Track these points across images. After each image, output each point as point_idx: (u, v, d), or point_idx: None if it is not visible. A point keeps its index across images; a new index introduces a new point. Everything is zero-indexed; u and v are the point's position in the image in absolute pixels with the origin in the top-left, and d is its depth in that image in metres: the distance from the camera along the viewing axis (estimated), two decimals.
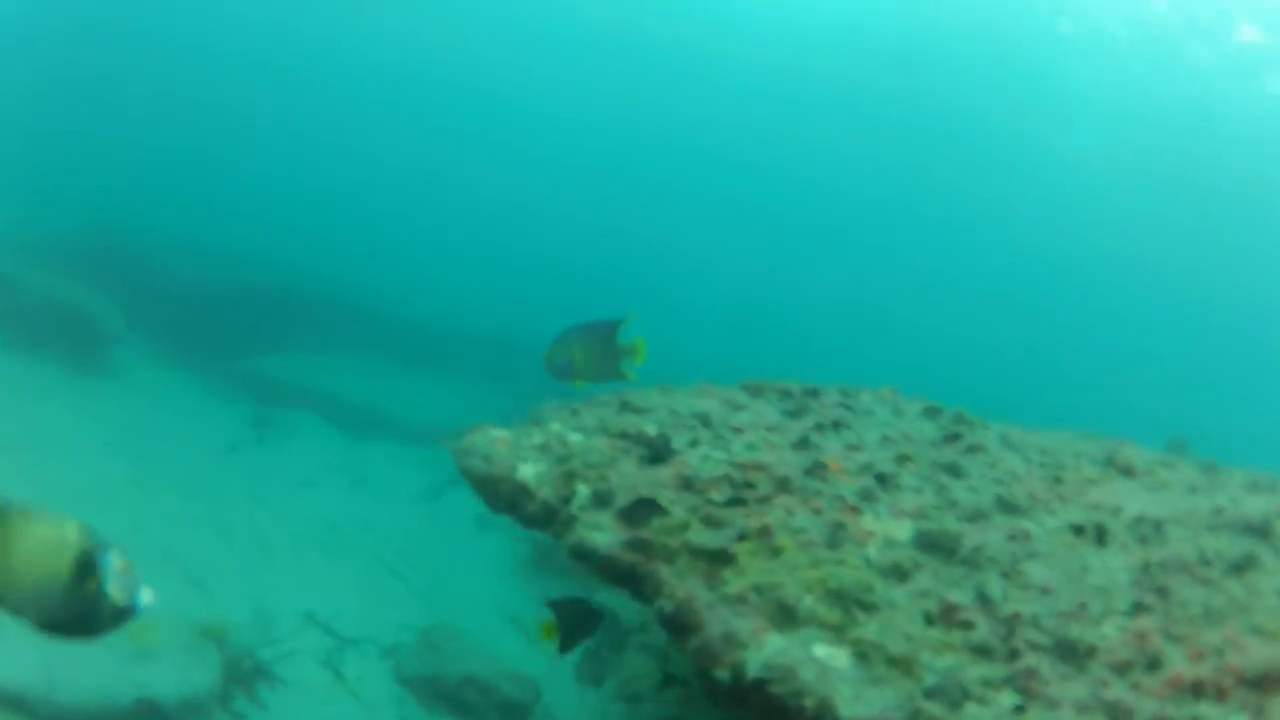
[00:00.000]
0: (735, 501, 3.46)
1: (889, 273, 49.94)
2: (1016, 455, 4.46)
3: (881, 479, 3.70)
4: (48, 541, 2.98)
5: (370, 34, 39.46)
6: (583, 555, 3.33)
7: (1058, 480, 4.18)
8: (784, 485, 3.57)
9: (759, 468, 3.69)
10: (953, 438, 4.45)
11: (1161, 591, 3.24)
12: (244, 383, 16.47)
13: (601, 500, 3.53)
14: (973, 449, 4.33)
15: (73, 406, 13.66)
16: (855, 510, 3.50)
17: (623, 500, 3.50)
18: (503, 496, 3.76)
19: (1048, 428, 5.50)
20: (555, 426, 4.29)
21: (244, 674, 9.05)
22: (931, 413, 4.92)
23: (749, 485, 3.57)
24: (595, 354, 5.08)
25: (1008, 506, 3.75)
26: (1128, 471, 4.49)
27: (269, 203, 33.65)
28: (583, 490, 3.59)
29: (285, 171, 41.52)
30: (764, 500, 3.49)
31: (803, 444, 4.04)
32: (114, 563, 3.12)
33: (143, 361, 16.08)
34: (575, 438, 4.02)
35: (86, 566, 3.01)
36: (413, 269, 28.79)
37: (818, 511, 3.45)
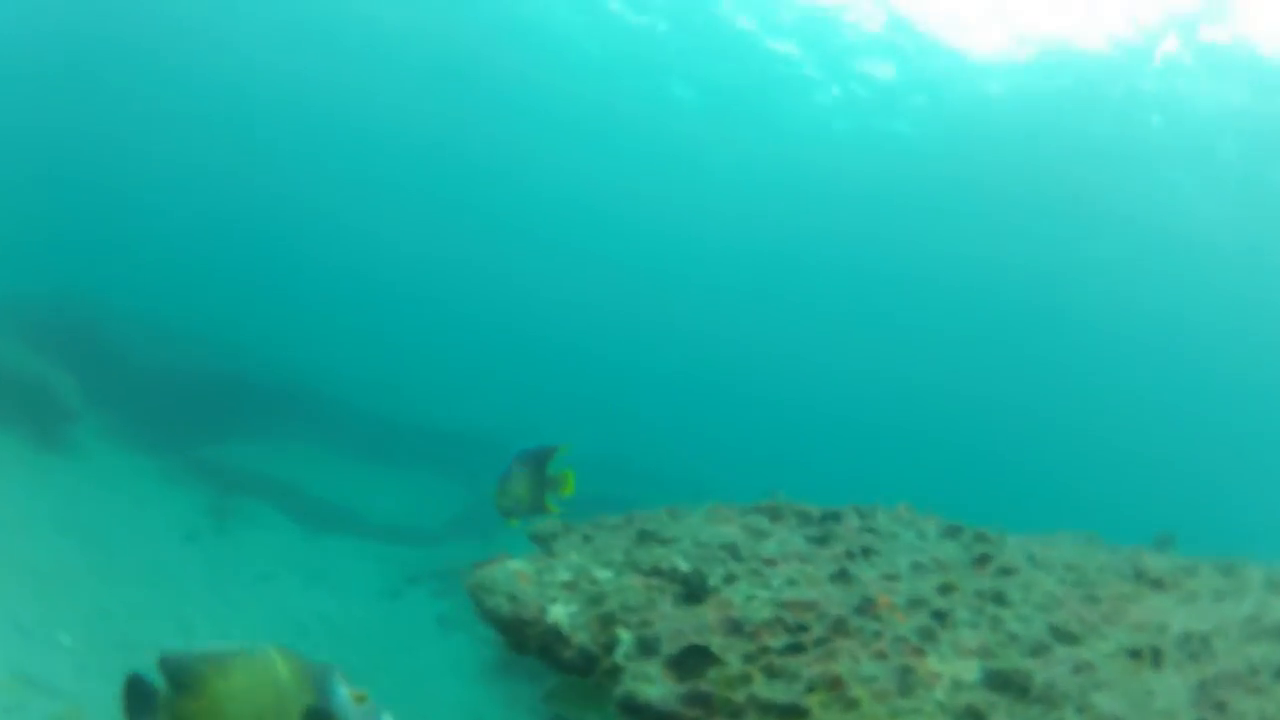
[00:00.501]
0: (793, 648, 3.21)
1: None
2: (1047, 574, 4.28)
3: (938, 615, 3.47)
4: (263, 695, 2.32)
5: (344, 115, 39.13)
6: (635, 710, 3.04)
7: (1094, 599, 4.01)
8: (839, 627, 3.33)
9: (807, 607, 3.44)
10: (982, 560, 4.26)
11: (1220, 706, 3.16)
12: (202, 469, 16.03)
13: (647, 647, 3.26)
14: (1006, 571, 4.15)
15: (28, 483, 13.19)
16: (919, 651, 3.26)
17: (670, 647, 3.23)
18: (533, 640, 3.48)
19: (1031, 527, 5.45)
20: (575, 558, 4.03)
21: None
22: (952, 532, 4.73)
23: (802, 628, 3.32)
24: (531, 489, 5.11)
25: (1063, 635, 3.56)
26: (1158, 585, 4.34)
27: (234, 286, 33.24)
28: (625, 637, 3.32)
29: (254, 258, 41.17)
30: (822, 644, 3.25)
31: (841, 576, 3.80)
32: (345, 696, 2.48)
33: (101, 440, 15.61)
34: (604, 574, 3.76)
35: (319, 715, 2.34)
36: (370, 359, 28.44)
37: (881, 655, 3.20)
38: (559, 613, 3.50)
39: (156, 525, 13.63)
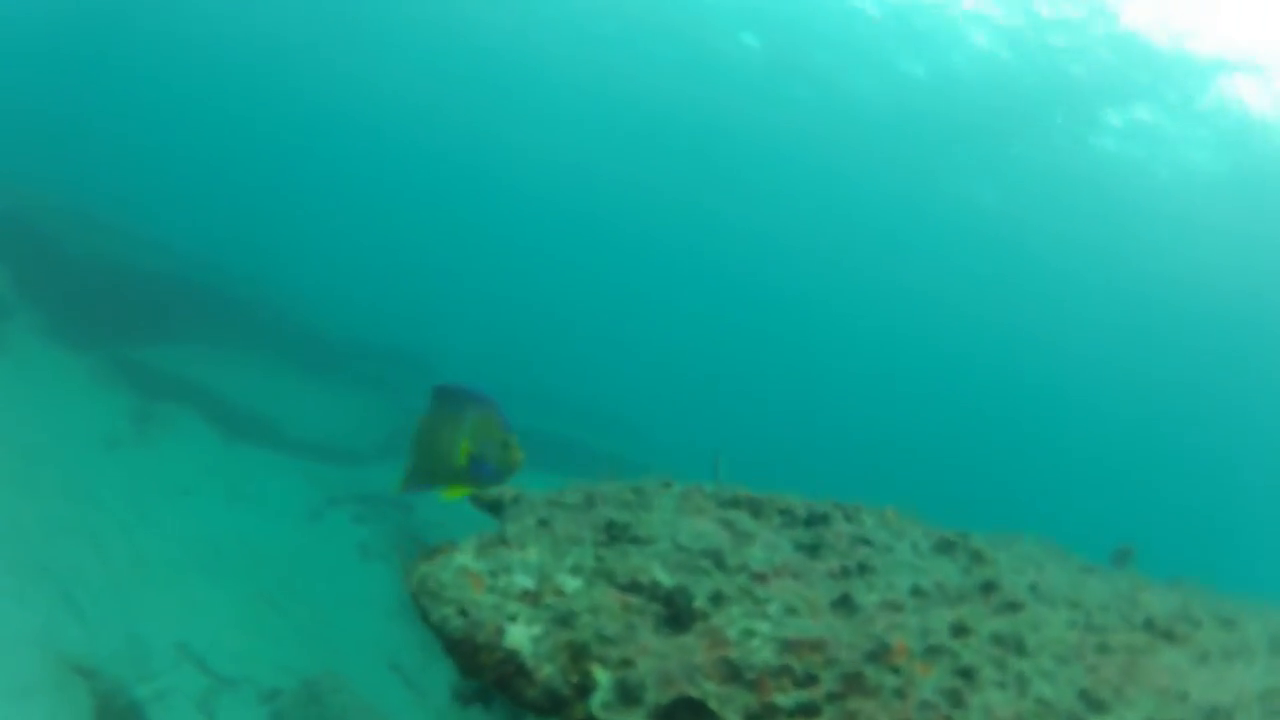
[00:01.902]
0: (806, 710, 2.58)
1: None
2: (1052, 611, 3.72)
3: (964, 674, 2.86)
4: None
5: (294, 22, 37.41)
6: None
7: (1107, 649, 3.47)
8: (855, 681, 2.70)
9: (814, 647, 2.81)
10: (986, 589, 3.67)
11: None
12: (131, 370, 15.09)
13: (629, 694, 2.60)
14: (1013, 606, 3.57)
15: None
16: (947, 719, 2.65)
17: (658, 695, 2.58)
18: (488, 669, 2.80)
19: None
20: (534, 553, 3.35)
21: (115, 715, 7.86)
22: (944, 547, 4.14)
23: (812, 678, 2.68)
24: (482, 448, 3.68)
25: (1093, 703, 2.98)
26: (1169, 637, 3.83)
27: (174, 184, 31.72)
28: (602, 679, 2.66)
29: (196, 154, 39.39)
30: (837, 701, 2.62)
31: (844, 604, 3.18)
32: None
33: (31, 336, 14.60)
34: (572, 584, 3.09)
35: None
36: (309, 270, 27.28)
37: None
38: (520, 636, 2.82)
39: (79, 430, 12.75)
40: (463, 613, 2.91)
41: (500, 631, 2.83)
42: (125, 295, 16.40)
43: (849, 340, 51.49)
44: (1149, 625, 3.88)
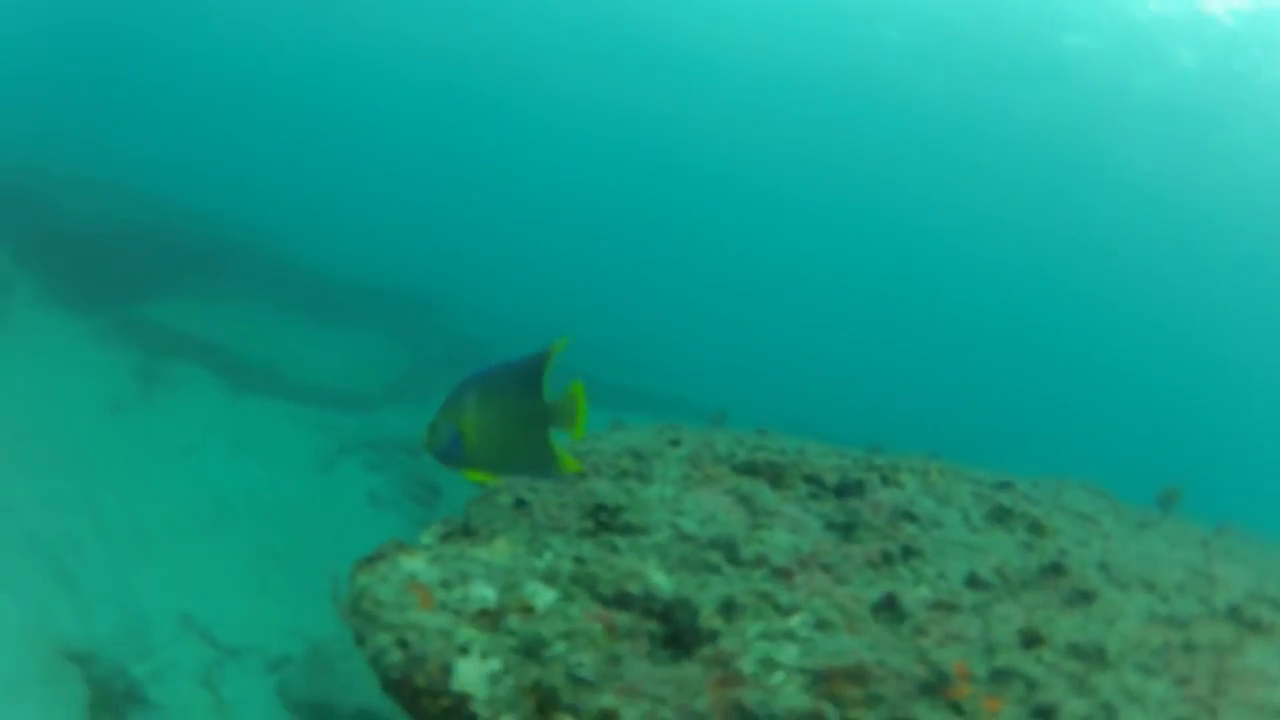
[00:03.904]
0: None
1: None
2: (1126, 598, 3.04)
3: (1042, 714, 2.17)
4: None
5: None
6: None
7: (1192, 648, 2.81)
8: None
9: (853, 678, 2.13)
10: (1053, 571, 2.99)
11: None
12: (133, 329, 14.46)
13: None
14: (1084, 595, 2.89)
15: None
16: None
17: None
18: (434, 719, 2.13)
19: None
20: (502, 550, 2.68)
21: (114, 701, 7.32)
22: (999, 515, 3.46)
23: None
24: (500, 425, 2.71)
25: None
26: (1255, 628, 3.17)
27: (164, 135, 30.90)
28: None
29: (184, 103, 38.43)
30: None
31: (888, 608, 2.50)
32: None
33: (31, 308, 14.00)
34: (544, 597, 2.41)
35: None
36: (309, 212, 26.47)
37: None
38: (471, 675, 2.15)
39: (81, 397, 12.16)
40: (402, 643, 2.24)
41: (446, 670, 2.15)
42: (125, 254, 15.76)
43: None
44: (1232, 614, 3.24)
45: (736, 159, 44.85)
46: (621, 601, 2.40)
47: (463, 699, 2.10)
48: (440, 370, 16.12)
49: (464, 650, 2.19)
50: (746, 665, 2.16)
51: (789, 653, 2.21)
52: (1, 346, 12.77)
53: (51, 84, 30.47)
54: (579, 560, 2.57)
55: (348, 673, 8.03)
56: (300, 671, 8.20)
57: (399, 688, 2.17)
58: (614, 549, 2.66)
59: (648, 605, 2.39)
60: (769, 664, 2.17)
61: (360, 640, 2.34)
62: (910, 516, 3.14)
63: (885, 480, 3.47)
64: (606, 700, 2.04)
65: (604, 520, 2.85)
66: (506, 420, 2.71)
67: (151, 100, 36.82)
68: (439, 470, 12.56)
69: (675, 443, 3.78)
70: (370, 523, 11.50)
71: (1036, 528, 3.39)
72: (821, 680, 2.11)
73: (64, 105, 28.47)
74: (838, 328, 43.64)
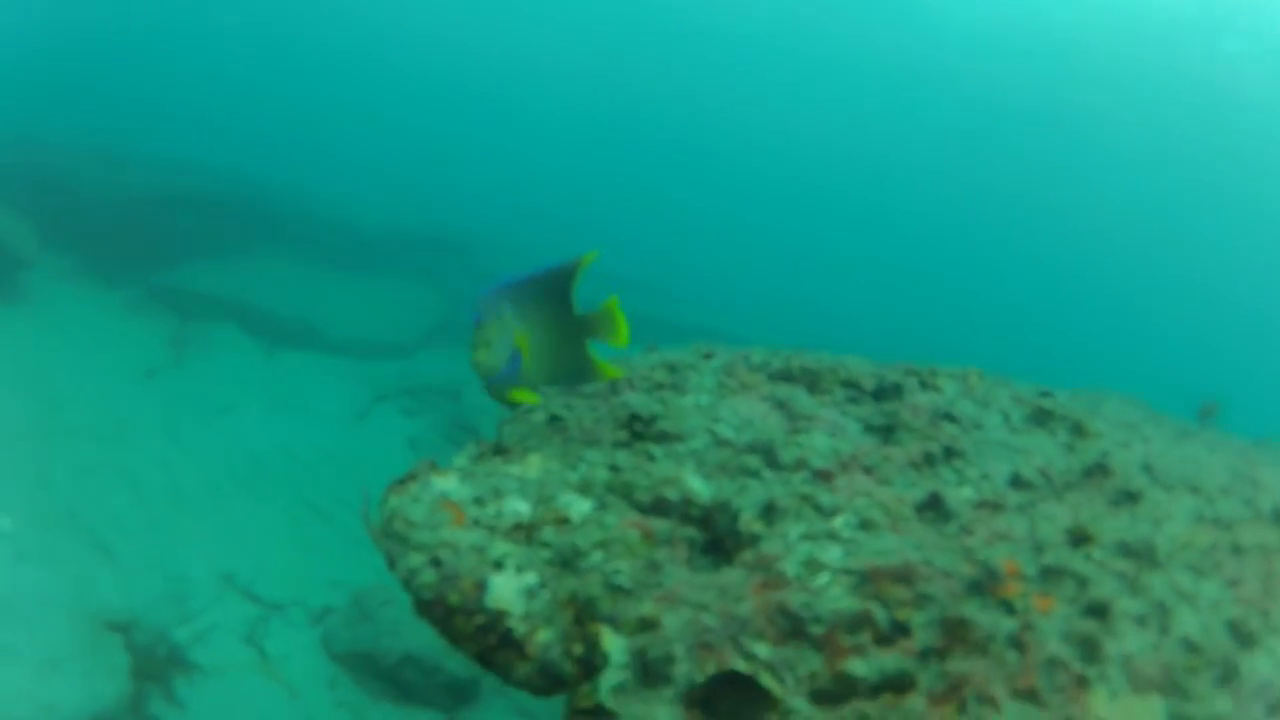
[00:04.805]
0: (895, 680, 1.83)
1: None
2: (1172, 499, 2.94)
3: (1095, 611, 2.08)
4: None
5: None
6: None
7: (1239, 551, 2.70)
8: (957, 631, 1.93)
9: (900, 578, 2.05)
10: (1097, 471, 2.89)
11: None
12: (164, 296, 14.46)
13: (651, 670, 1.87)
14: (1130, 496, 2.78)
15: None
16: (1081, 682, 1.89)
17: (689, 669, 1.85)
18: (468, 639, 2.07)
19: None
20: (536, 465, 2.61)
21: (157, 667, 7.35)
22: (1040, 418, 3.34)
23: (901, 629, 1.93)
24: (548, 338, 2.62)
25: (1244, 638, 2.21)
26: None
27: (185, 99, 30.74)
28: (614, 646, 1.92)
29: (201, 66, 38.17)
30: (935, 660, 1.87)
31: (932, 507, 2.41)
32: None
33: (57, 283, 14.00)
34: (580, 508, 2.33)
35: None
36: (333, 163, 26.28)
37: (1030, 695, 1.83)
38: (506, 591, 2.08)
39: (114, 366, 12.18)
40: (435, 562, 2.18)
41: (481, 586, 2.09)
42: (151, 222, 15.75)
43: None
44: (1278, 518, 3.14)
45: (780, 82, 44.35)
46: (659, 508, 2.33)
47: (498, 615, 2.03)
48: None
49: (498, 565, 2.13)
50: (790, 568, 2.08)
51: (833, 554, 2.13)
52: (34, 325, 12.79)
53: (66, 54, 30.35)
54: (614, 469, 2.50)
55: (390, 620, 8.04)
56: (342, 622, 8.22)
57: (432, 608, 2.11)
58: (650, 457, 2.58)
59: (685, 511, 2.32)
60: (813, 565, 2.09)
61: (392, 563, 2.28)
62: (951, 418, 3.05)
63: (924, 384, 3.37)
64: (646, 608, 1.97)
65: (639, 430, 2.77)
66: (551, 332, 2.64)
67: (167, 61, 36.63)
68: (477, 410, 12.58)
69: (709, 355, 3.70)
70: (408, 467, 11.52)
71: (1078, 430, 3.29)
72: (868, 580, 2.04)
73: (77, 74, 28.37)
74: (875, 257, 43.00)
